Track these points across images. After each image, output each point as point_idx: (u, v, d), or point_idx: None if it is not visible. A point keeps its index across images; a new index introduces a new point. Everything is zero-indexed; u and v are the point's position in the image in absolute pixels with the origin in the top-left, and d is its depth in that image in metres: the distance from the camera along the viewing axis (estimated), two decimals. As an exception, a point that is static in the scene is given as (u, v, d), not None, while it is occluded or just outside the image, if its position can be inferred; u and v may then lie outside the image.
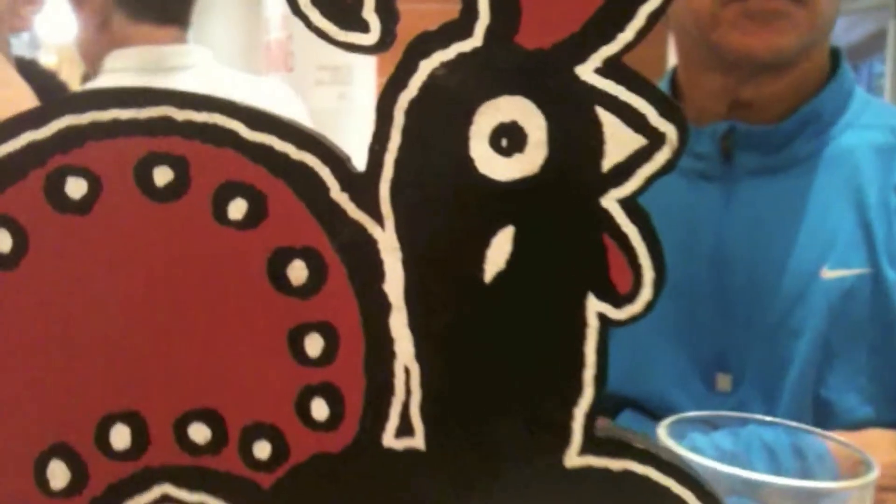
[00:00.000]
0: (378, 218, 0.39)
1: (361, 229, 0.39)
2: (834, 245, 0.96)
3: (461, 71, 0.38)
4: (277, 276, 0.40)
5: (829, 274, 0.97)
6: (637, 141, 0.38)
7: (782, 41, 0.89)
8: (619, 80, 0.38)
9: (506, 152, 0.38)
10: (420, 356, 0.40)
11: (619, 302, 0.39)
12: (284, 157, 0.39)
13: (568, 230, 0.39)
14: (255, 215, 0.39)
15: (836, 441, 0.65)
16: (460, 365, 0.40)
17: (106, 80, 1.30)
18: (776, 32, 0.89)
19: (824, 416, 0.93)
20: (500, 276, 0.39)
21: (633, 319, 0.39)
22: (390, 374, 0.40)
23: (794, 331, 0.97)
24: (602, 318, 0.39)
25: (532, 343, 0.40)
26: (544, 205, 0.39)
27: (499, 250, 0.39)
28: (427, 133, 0.39)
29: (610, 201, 0.38)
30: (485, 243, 0.39)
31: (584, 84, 0.38)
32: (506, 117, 0.38)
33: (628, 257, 0.39)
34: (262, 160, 0.39)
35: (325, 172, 0.39)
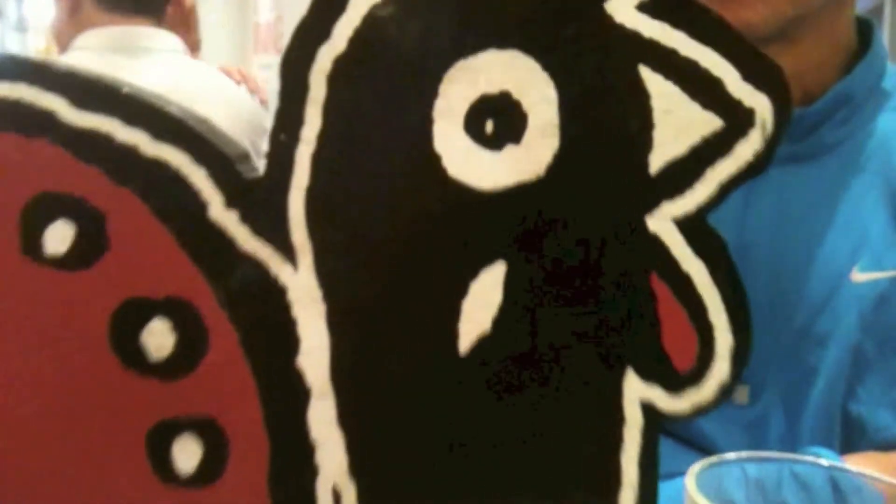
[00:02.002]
0: (287, 251, 0.24)
1: (261, 269, 0.24)
2: (865, 244, 0.83)
3: (417, 9, 0.23)
4: (127, 345, 0.25)
5: (860, 276, 0.84)
6: (707, 122, 0.23)
7: (749, 15, 0.77)
8: (677, 23, 0.23)
9: (493, 143, 0.24)
10: (357, 469, 0.25)
11: (676, 384, 0.24)
12: (132, 152, 0.24)
13: (593, 269, 0.24)
14: (89, 248, 0.24)
15: (880, 481, 0.51)
16: (421, 483, 0.25)
17: (70, 56, 1.19)
18: (742, 6, 0.76)
19: (854, 433, 0.81)
20: (485, 345, 0.24)
21: (700, 412, 0.24)
22: (310, 498, 0.25)
23: (820, 339, 0.84)
24: (649, 410, 0.24)
25: (537, 449, 0.25)
26: (554, 229, 0.24)
27: (482, 302, 0.24)
28: (364, 113, 0.24)
29: (662, 221, 0.24)
30: (460, 290, 0.24)
31: (621, 29, 0.23)
32: (492, 86, 0.23)
33: (691, 312, 0.24)
34: (97, 157, 0.24)
35: (199, 177, 0.24)
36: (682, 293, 0.24)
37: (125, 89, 0.24)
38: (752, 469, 0.55)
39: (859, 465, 0.70)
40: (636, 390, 0.24)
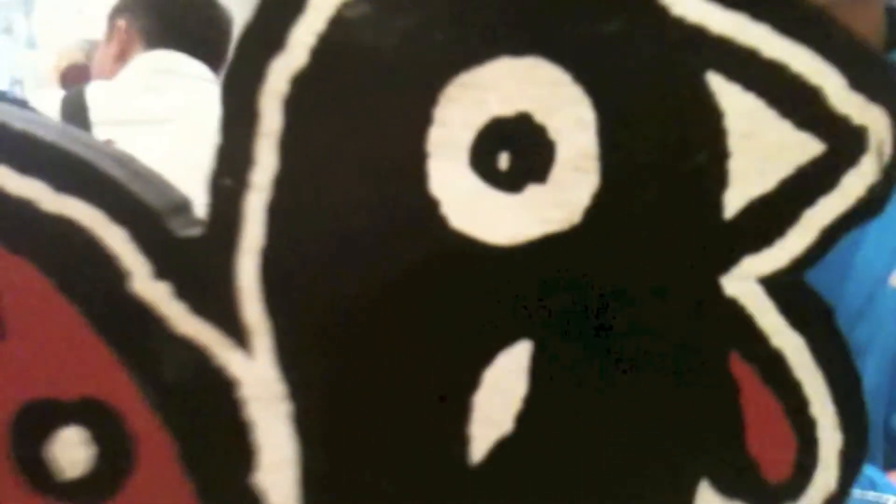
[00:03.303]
0: (238, 333, 0.18)
1: (203, 358, 0.18)
2: None
3: (402, 7, 0.17)
4: (33, 461, 0.19)
5: None
6: (803, 147, 0.17)
7: None
8: (756, 13, 0.17)
9: (509, 183, 0.17)
10: None
11: (766, 499, 0.18)
12: (28, 208, 0.18)
13: (650, 348, 0.18)
14: (-25, 336, 0.18)
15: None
16: None
17: (122, 79, 1.17)
18: None
19: None
20: (506, 451, 0.18)
21: (801, 536, 0.18)
22: None
23: (858, 348, 0.79)
24: (731, 535, 0.18)
25: None
26: (596, 295, 0.18)
27: (501, 395, 0.18)
28: (334, 148, 0.18)
29: (744, 282, 0.17)
30: (471, 382, 0.18)
31: (680, 25, 0.17)
32: (506, 107, 0.17)
33: (787, 403, 0.18)
34: (-17, 217, 0.18)
35: (117, 239, 0.18)
36: (773, 378, 0.18)
37: (18, 125, 0.18)
38: None
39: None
40: (713, 509, 0.18)
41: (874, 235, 0.78)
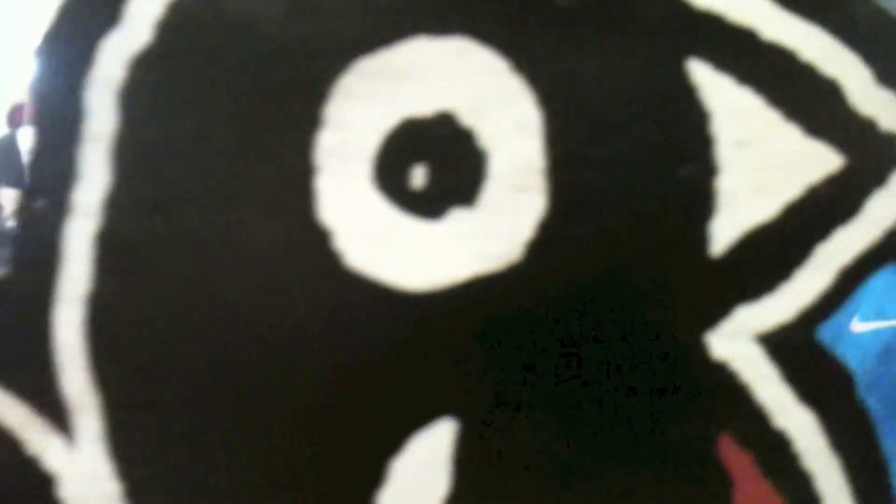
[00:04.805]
0: (55, 411, 0.13)
1: (6, 444, 0.13)
2: (865, 291, 0.76)
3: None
4: None
5: (860, 327, 0.77)
6: (815, 161, 0.13)
7: None
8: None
9: (426, 207, 0.13)
10: None
11: None
12: None
13: (613, 429, 0.13)
14: None
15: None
16: None
17: None
18: None
19: None
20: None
21: None
22: None
23: None
24: None
25: None
26: (542, 358, 0.13)
27: (415, 491, 0.13)
28: (188, 157, 0.13)
29: (736, 341, 0.13)
30: (374, 474, 0.13)
31: (652, -2, 0.13)
32: (422, 104, 0.13)
33: (793, 499, 0.13)
34: None
35: None
36: (775, 468, 0.13)
37: None
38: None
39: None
40: None
41: None
